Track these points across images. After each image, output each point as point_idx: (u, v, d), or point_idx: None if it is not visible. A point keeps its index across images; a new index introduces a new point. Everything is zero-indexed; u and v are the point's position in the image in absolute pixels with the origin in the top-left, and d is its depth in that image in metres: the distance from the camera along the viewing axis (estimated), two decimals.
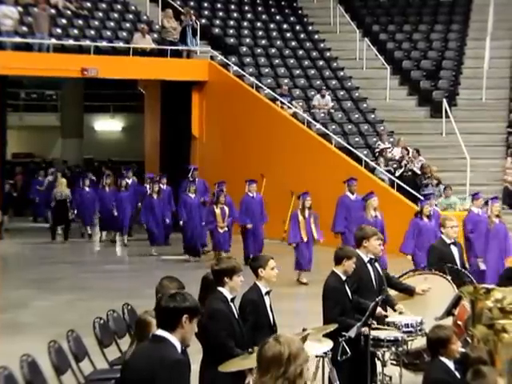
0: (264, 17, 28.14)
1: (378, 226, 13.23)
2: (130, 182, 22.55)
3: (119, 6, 26.74)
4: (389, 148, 21.53)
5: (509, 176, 21.18)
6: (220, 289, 6.67)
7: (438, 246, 10.04)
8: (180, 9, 25.27)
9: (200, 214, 19.19)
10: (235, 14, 27.99)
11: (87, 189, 23.27)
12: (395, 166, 20.93)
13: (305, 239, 16.29)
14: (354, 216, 15.95)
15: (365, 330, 7.46)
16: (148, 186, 20.97)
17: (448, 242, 9.93)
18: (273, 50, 26.26)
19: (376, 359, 7.96)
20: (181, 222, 19.38)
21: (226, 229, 18.20)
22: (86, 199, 22.97)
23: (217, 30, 26.57)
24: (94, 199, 22.71)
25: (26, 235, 24.31)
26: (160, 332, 4.85)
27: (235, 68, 24.31)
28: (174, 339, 4.80)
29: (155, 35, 25.00)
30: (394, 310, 8.39)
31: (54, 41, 23.26)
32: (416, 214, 14.75)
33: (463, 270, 9.58)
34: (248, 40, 26.61)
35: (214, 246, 18.50)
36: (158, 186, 20.40)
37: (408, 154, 20.87)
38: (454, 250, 9.94)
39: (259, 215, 18.57)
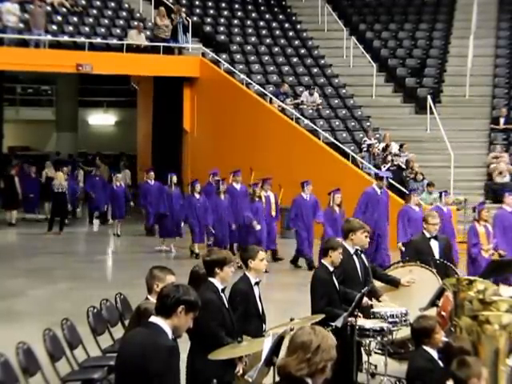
0: (254, 15, 28.42)
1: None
2: (239, 186, 18.24)
3: (113, 4, 27.08)
4: (375, 143, 21.83)
5: (491, 168, 21.43)
6: (211, 279, 6.74)
7: (416, 240, 10.07)
8: (172, 6, 25.56)
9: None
10: (226, 13, 28.24)
11: (198, 196, 18.28)
12: (381, 160, 21.11)
13: None
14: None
15: (351, 320, 7.56)
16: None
17: (428, 236, 9.93)
18: (262, 48, 26.48)
19: (362, 348, 8.13)
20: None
21: (492, 251, 13.28)
22: (197, 208, 18.18)
23: (208, 28, 26.81)
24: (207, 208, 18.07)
25: (21, 226, 24.28)
26: (153, 319, 4.90)
27: (226, 65, 24.51)
28: (166, 326, 4.84)
29: (148, 32, 25.29)
30: (379, 301, 8.50)
31: (49, 37, 23.54)
32: None
33: (447, 263, 9.55)
34: (238, 38, 26.84)
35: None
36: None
37: (389, 147, 21.25)
38: (434, 243, 9.90)
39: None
